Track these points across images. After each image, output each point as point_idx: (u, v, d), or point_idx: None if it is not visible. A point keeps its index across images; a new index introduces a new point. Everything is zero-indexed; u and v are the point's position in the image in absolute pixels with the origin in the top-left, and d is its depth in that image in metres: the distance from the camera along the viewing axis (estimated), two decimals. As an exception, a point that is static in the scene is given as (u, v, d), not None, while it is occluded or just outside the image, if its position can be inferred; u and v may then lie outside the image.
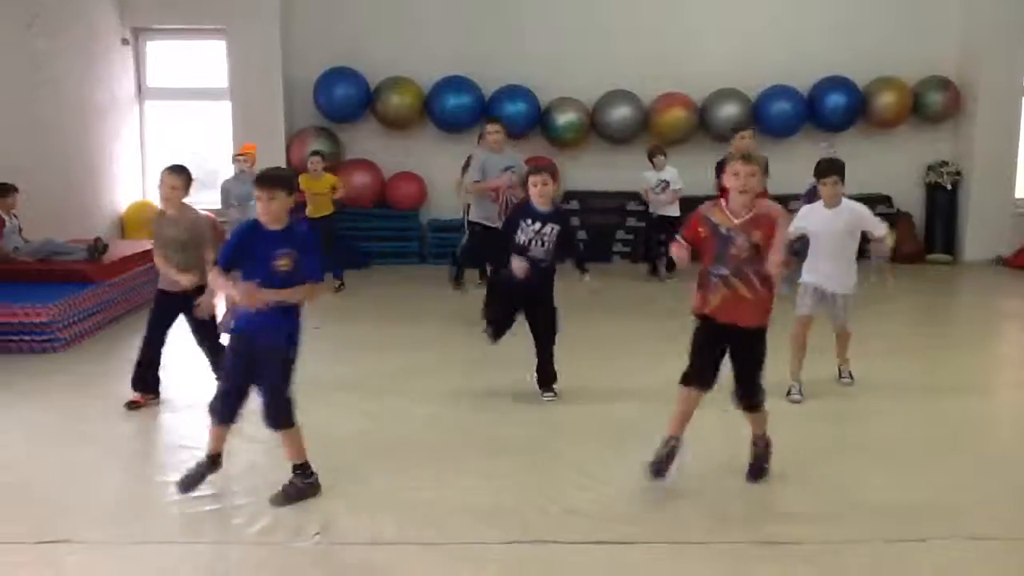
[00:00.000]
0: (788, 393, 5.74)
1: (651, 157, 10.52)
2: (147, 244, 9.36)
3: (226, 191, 8.58)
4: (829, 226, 5.79)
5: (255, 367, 4.00)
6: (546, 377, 5.78)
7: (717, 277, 4.15)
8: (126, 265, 8.49)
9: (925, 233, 12.35)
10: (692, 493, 4.30)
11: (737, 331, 4.17)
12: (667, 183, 10.33)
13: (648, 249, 10.89)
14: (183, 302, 5.40)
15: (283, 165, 11.55)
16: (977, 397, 6.09)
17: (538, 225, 5.55)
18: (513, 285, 5.60)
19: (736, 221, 4.13)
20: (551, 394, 5.73)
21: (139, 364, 5.56)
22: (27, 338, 6.97)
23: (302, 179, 9.40)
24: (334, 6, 11.92)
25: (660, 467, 4.24)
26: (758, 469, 4.42)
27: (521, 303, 5.74)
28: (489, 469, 4.63)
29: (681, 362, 4.29)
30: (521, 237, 5.57)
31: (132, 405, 5.53)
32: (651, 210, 10.63)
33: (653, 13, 12.05)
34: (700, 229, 4.19)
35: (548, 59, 11.91)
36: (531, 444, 4.98)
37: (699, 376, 4.22)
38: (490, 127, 8.22)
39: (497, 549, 3.76)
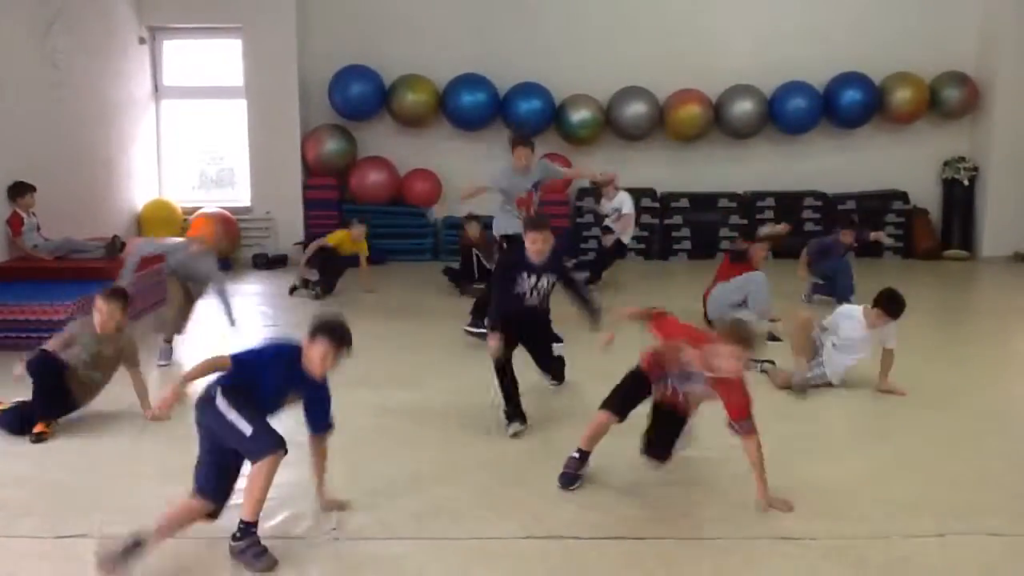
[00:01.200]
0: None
1: (599, 191, 10.25)
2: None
3: (173, 269, 6.98)
4: (865, 343, 5.92)
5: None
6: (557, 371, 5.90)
7: (670, 382, 4.18)
8: (143, 263, 8.53)
9: (942, 229, 12.29)
10: (705, 488, 4.29)
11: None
12: (619, 211, 9.94)
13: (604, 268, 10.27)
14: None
15: (298, 163, 11.63)
16: (997, 394, 6.06)
17: (534, 279, 5.32)
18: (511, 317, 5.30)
19: (708, 375, 4.05)
20: (556, 382, 5.86)
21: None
22: (46, 335, 6.97)
23: (340, 240, 9.32)
24: (349, 5, 11.95)
25: (570, 479, 4.31)
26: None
27: (519, 337, 5.47)
28: (503, 464, 4.64)
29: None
30: (516, 289, 5.33)
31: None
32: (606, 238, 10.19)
33: (668, 9, 12.04)
34: (659, 372, 4.20)
35: (562, 56, 11.91)
36: (544, 439, 4.98)
37: (617, 409, 4.27)
38: (516, 151, 7.46)
39: (511, 544, 3.77)
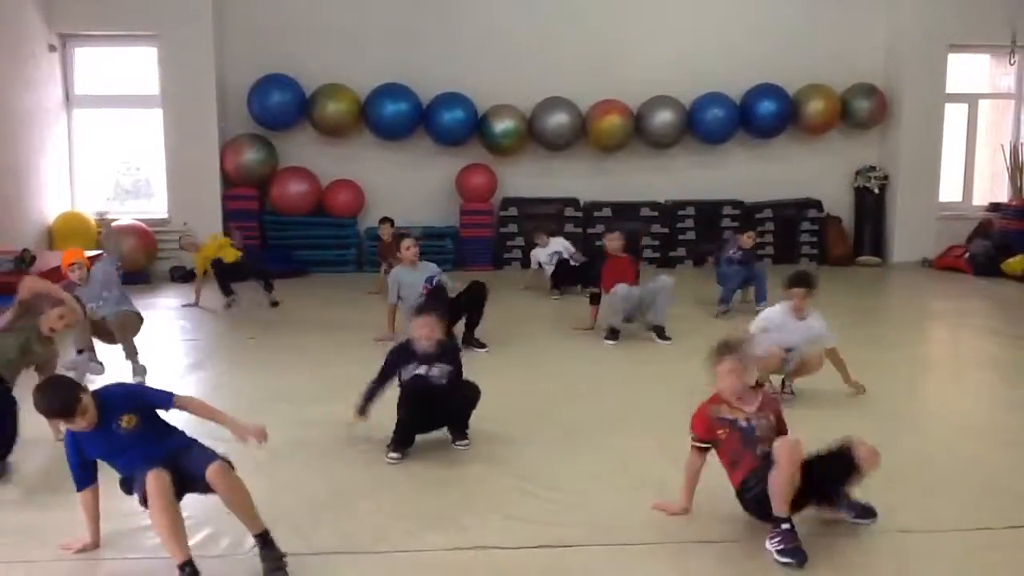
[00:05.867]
0: None
1: (536, 239, 10.34)
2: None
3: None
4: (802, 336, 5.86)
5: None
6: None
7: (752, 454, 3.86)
8: (55, 276, 8.26)
9: (855, 236, 12.67)
10: (632, 494, 4.33)
11: None
12: (559, 253, 10.06)
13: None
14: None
15: (216, 173, 11.41)
16: (909, 395, 6.27)
17: (424, 368, 4.95)
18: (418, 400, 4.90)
19: (748, 409, 3.94)
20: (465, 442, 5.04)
21: None
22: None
23: (206, 253, 9.27)
24: (269, 12, 11.80)
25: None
26: None
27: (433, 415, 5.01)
28: (426, 476, 4.61)
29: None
30: (406, 375, 4.99)
31: None
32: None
33: (590, 21, 12.18)
34: (719, 431, 3.92)
35: (485, 66, 11.95)
36: (473, 451, 4.97)
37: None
38: (403, 243, 7.53)
39: (437, 556, 3.75)
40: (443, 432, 5.06)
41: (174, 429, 3.81)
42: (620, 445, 5.05)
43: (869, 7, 12.58)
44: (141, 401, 3.75)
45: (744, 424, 3.90)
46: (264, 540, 3.56)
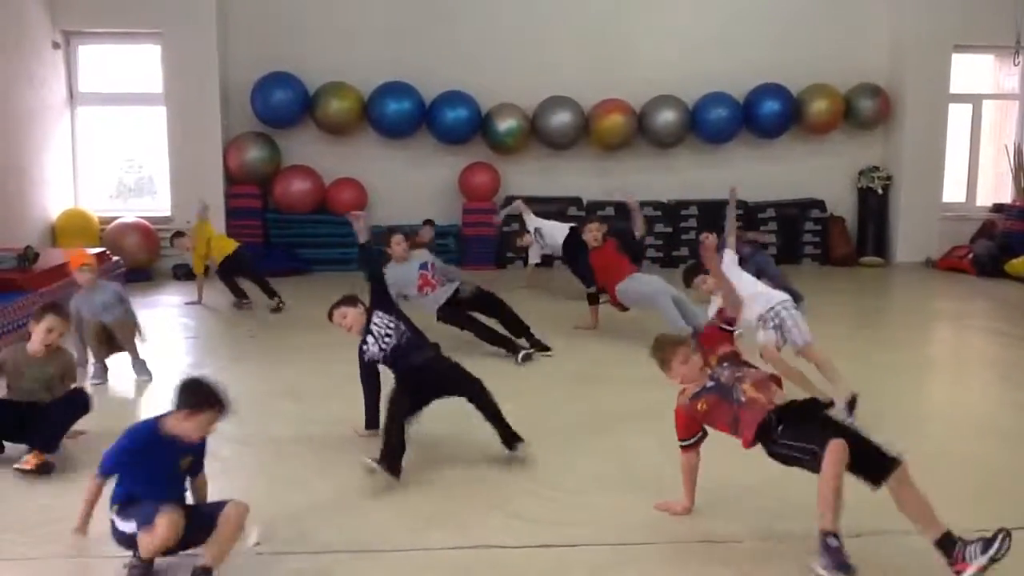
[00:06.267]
0: None
1: (519, 241, 10.26)
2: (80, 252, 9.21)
3: (75, 311, 6.36)
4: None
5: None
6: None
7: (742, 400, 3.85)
8: (58, 274, 8.28)
9: (858, 236, 12.66)
10: (632, 493, 4.34)
11: None
12: (540, 235, 9.92)
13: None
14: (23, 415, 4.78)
15: (220, 172, 11.41)
16: (913, 397, 6.26)
17: (370, 340, 5.10)
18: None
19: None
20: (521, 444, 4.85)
21: None
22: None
23: (198, 234, 9.15)
24: (272, 11, 11.80)
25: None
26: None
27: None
28: (427, 474, 4.61)
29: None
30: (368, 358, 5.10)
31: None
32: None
33: (593, 21, 12.17)
34: (699, 406, 3.93)
35: (488, 65, 11.94)
36: (467, 449, 4.97)
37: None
38: (393, 239, 7.63)
39: (439, 555, 3.76)
40: (446, 429, 5.06)
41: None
42: (621, 445, 5.06)
43: (873, 7, 12.55)
44: (201, 451, 3.77)
45: (711, 384, 3.94)
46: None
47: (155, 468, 3.59)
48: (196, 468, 3.78)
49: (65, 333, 5.04)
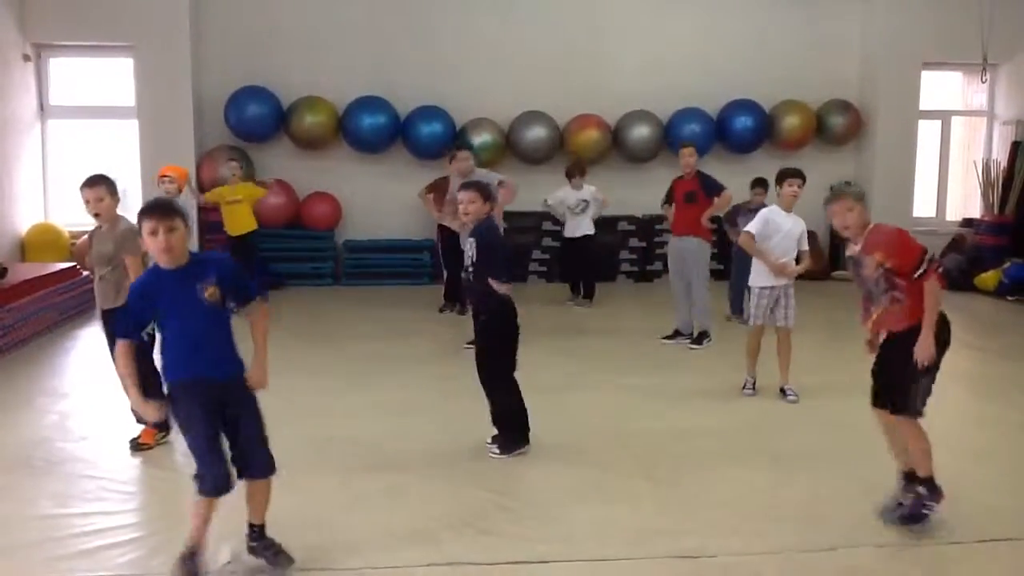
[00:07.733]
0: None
1: (570, 177, 10.22)
2: (50, 267, 9.11)
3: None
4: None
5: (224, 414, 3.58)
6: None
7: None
8: (27, 289, 8.19)
9: (830, 251, 12.76)
10: (606, 509, 4.33)
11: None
12: (587, 203, 10.14)
13: (566, 271, 10.81)
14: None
15: (195, 186, 11.32)
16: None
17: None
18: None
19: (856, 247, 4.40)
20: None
21: None
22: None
23: (219, 192, 9.26)
24: (246, 24, 11.76)
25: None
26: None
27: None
28: (402, 492, 4.58)
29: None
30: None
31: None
32: (566, 233, 10.35)
33: (569, 37, 12.23)
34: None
35: (463, 80, 11.97)
36: (448, 465, 4.95)
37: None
38: (459, 154, 8.45)
39: (411, 572, 3.73)
40: (417, 444, 5.02)
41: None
42: (597, 459, 5.05)
43: (844, 25, 12.73)
44: (233, 279, 3.52)
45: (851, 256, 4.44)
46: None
47: (173, 308, 3.42)
48: (239, 298, 3.55)
49: (113, 200, 5.09)
